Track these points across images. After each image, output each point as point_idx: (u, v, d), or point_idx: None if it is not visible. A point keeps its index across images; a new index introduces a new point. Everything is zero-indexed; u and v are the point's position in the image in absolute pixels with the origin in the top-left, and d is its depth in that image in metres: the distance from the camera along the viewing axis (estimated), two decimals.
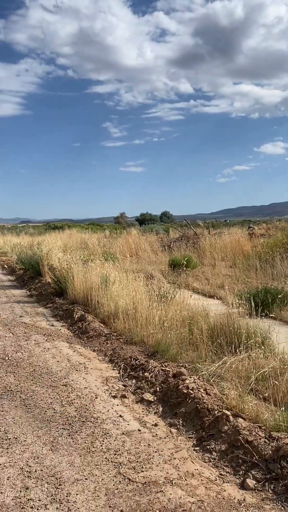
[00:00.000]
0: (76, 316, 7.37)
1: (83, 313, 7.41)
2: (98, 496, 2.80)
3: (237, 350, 4.87)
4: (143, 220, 57.11)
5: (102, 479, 2.99)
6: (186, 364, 4.92)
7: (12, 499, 2.77)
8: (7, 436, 3.58)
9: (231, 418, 3.53)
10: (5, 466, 3.15)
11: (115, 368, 5.23)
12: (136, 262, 14.02)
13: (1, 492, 2.84)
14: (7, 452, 3.33)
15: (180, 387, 4.21)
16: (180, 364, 4.94)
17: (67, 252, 11.83)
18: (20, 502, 2.74)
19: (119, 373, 5.06)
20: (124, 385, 4.72)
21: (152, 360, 5.10)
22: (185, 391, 4.11)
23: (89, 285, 7.95)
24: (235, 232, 18.98)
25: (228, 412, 3.59)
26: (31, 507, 2.69)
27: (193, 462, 3.22)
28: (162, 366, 4.87)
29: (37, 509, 2.67)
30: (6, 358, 5.59)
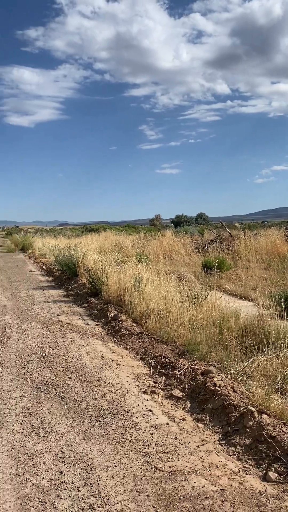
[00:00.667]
0: (110, 315, 7.62)
1: (116, 312, 7.66)
2: (126, 482, 2.99)
3: (266, 350, 4.95)
4: (178, 222, 57.18)
5: (131, 467, 3.18)
6: (215, 363, 5.04)
7: (48, 481, 3.01)
8: (43, 426, 3.83)
9: (256, 414, 3.64)
10: (41, 452, 3.40)
11: (146, 366, 5.41)
12: (170, 264, 14.17)
13: (38, 475, 3.09)
14: (43, 440, 3.58)
15: (207, 384, 4.36)
16: (209, 363, 5.06)
17: (102, 254, 12.15)
18: (55, 484, 2.98)
19: (149, 370, 5.25)
20: (154, 382, 4.90)
21: (181, 359, 5.25)
22: (212, 388, 4.25)
23: (123, 286, 8.19)
24: (271, 233, 18.77)
25: (253, 409, 3.71)
26: (65, 489, 2.91)
27: (217, 455, 3.36)
28: (191, 365, 5.02)
29: (70, 490, 2.90)
30: (44, 354, 5.89)
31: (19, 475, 3.09)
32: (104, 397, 4.47)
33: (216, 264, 10.81)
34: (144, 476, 3.07)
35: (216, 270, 11.47)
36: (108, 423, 3.88)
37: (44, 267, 16.70)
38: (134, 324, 7.13)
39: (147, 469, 3.15)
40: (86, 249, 13.50)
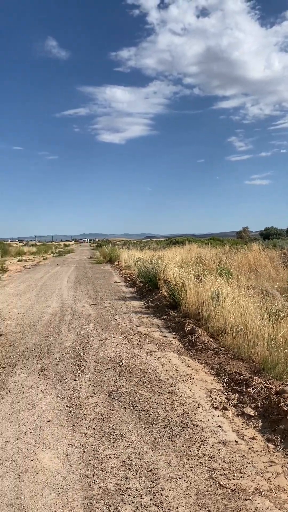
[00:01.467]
0: (187, 329, 7.67)
1: (193, 326, 7.69)
2: (189, 495, 3.03)
3: None
4: (268, 235, 55.41)
5: (195, 481, 3.21)
6: None
7: (114, 486, 3.15)
8: (114, 432, 4.00)
9: None
10: (110, 457, 3.56)
11: (219, 382, 5.38)
12: (254, 278, 13.85)
13: (105, 478, 3.25)
14: (113, 446, 3.74)
15: (281, 404, 4.23)
16: (285, 383, 4.91)
17: (183, 267, 12.23)
18: (120, 489, 3.11)
19: (223, 386, 5.21)
20: (227, 398, 4.86)
21: (256, 377, 5.14)
22: (285, 409, 4.12)
23: (201, 300, 8.20)
24: None
25: None
26: (129, 495, 3.03)
27: (286, 478, 3.27)
28: (266, 383, 4.90)
29: (134, 497, 3.01)
30: (121, 363, 6.11)
31: (88, 477, 3.27)
32: (175, 409, 4.53)
33: None
34: (207, 491, 3.09)
35: None
36: (176, 436, 3.94)
37: (128, 278, 17.20)
38: (211, 339, 7.10)
39: (211, 485, 3.16)
40: (167, 262, 13.69)
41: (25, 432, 4.04)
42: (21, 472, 3.37)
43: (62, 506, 2.93)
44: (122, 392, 5.01)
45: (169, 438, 3.89)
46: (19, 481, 3.25)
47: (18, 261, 33.32)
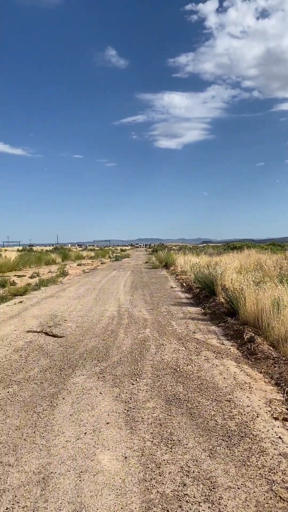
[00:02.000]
0: (246, 337, 7.53)
1: (252, 334, 7.53)
2: (248, 506, 2.98)
3: None
4: None
5: (254, 492, 3.15)
6: None
7: (171, 491, 3.16)
8: (172, 438, 4.01)
9: None
10: (167, 462, 3.57)
11: (280, 392, 5.24)
12: None
13: (163, 483, 3.27)
14: (171, 451, 3.76)
15: None
16: None
17: (242, 273, 12.02)
18: (178, 495, 3.11)
19: (283, 396, 5.07)
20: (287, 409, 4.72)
21: None
22: None
23: (260, 307, 8.02)
24: None
25: None
26: (186, 501, 3.03)
27: None
28: None
29: (192, 504, 3.00)
30: (178, 369, 6.11)
31: (146, 481, 3.31)
32: (233, 418, 4.47)
33: None
34: (267, 503, 3.02)
35: None
36: (234, 445, 3.88)
37: (184, 284, 17.16)
38: (271, 348, 6.93)
39: (271, 497, 3.09)
40: (225, 268, 13.51)
41: (85, 433, 4.16)
42: (81, 472, 3.47)
43: (121, 508, 2.98)
44: (179, 398, 5.01)
45: (227, 446, 3.85)
46: (80, 480, 3.34)
47: (78, 265, 34.31)
